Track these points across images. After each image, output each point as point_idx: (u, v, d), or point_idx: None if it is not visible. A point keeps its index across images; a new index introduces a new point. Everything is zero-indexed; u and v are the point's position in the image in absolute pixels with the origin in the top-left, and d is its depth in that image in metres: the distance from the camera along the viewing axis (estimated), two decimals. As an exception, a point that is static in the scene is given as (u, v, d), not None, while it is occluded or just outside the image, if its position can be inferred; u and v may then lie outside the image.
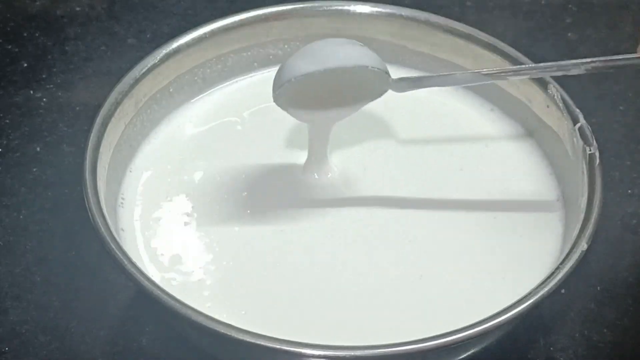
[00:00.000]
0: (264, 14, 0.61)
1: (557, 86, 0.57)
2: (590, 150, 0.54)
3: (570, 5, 0.73)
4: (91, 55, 0.70)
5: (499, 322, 0.48)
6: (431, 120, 0.60)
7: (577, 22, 0.72)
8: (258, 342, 0.47)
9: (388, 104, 0.58)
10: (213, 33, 0.60)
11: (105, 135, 0.55)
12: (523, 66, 0.57)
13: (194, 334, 0.52)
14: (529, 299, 0.49)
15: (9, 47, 0.70)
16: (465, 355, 0.52)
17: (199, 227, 0.55)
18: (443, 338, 0.48)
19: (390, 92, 0.55)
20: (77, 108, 0.66)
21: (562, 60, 0.68)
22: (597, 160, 0.54)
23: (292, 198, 0.56)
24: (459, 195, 0.56)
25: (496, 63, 0.59)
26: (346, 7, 0.61)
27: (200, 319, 0.48)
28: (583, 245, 0.51)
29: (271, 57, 0.62)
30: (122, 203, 0.56)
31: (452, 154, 0.59)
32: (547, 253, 0.54)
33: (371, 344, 0.48)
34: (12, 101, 0.66)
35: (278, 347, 0.47)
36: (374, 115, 0.60)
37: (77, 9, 0.72)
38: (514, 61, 0.59)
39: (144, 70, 0.58)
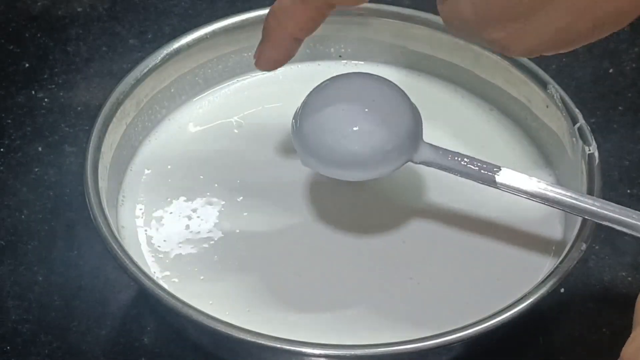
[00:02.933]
0: (265, 15, 0.61)
1: (557, 86, 0.57)
2: (589, 150, 0.55)
3: (570, 6, 0.73)
4: (92, 56, 0.70)
5: (499, 321, 0.48)
6: (429, 120, 0.60)
7: (576, 23, 0.72)
8: (258, 341, 0.47)
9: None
10: (214, 33, 0.60)
11: (107, 135, 0.55)
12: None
13: (195, 333, 0.52)
14: (528, 299, 0.49)
15: (11, 47, 0.70)
16: (465, 355, 0.52)
17: (200, 226, 0.55)
18: (443, 337, 0.48)
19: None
20: (79, 108, 0.66)
21: (563, 60, 0.68)
22: (597, 160, 0.54)
23: (293, 197, 0.56)
24: (457, 195, 0.57)
25: (495, 63, 0.59)
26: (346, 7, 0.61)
27: (201, 318, 0.48)
28: (582, 245, 0.51)
29: (272, 57, 0.62)
30: (122, 202, 0.56)
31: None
32: (547, 253, 0.54)
33: (372, 343, 0.48)
34: (13, 101, 0.67)
35: (278, 346, 0.48)
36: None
37: (79, 9, 0.73)
38: (514, 61, 0.59)
39: (145, 70, 0.58)
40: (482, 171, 0.51)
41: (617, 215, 0.49)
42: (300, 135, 0.51)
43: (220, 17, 0.61)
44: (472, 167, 0.51)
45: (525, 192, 0.51)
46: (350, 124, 0.50)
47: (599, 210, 0.50)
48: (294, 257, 0.54)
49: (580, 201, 0.50)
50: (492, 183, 0.51)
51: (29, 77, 0.68)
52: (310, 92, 0.52)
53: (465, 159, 0.51)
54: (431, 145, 0.52)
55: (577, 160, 0.55)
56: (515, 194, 0.51)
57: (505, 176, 0.51)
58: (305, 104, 0.51)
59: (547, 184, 0.51)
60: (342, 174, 0.51)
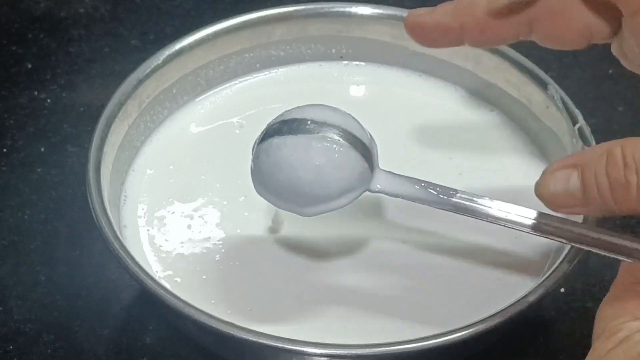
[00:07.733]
0: (266, 16, 0.61)
1: (557, 87, 0.58)
2: (589, 151, 0.55)
3: (570, 7, 0.73)
4: (95, 57, 0.70)
5: (499, 321, 0.49)
6: (429, 121, 0.60)
7: (577, 24, 0.72)
8: (260, 340, 0.48)
9: (386, 105, 0.59)
10: (216, 34, 0.60)
11: (109, 135, 0.55)
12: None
13: (197, 333, 0.52)
14: (528, 299, 0.49)
15: (14, 48, 0.70)
16: (465, 355, 0.52)
17: (202, 226, 0.55)
18: (443, 337, 0.48)
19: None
20: (81, 109, 0.67)
21: (563, 61, 0.69)
22: (597, 161, 0.54)
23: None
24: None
25: (496, 64, 0.60)
26: (347, 9, 0.62)
27: (203, 318, 0.48)
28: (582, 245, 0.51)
29: (273, 58, 0.62)
30: (124, 202, 0.56)
31: (450, 156, 0.59)
32: (547, 253, 0.55)
33: (372, 343, 0.48)
34: (16, 102, 0.67)
35: (280, 345, 0.48)
36: (371, 119, 0.60)
37: (81, 10, 0.73)
38: (514, 62, 0.59)
39: (147, 71, 0.58)
40: (440, 196, 0.48)
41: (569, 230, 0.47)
42: (258, 176, 0.49)
43: (222, 18, 0.61)
44: (431, 191, 0.48)
45: (481, 215, 0.48)
46: (300, 164, 0.48)
47: (553, 229, 0.47)
48: (296, 257, 0.54)
49: (542, 223, 0.47)
50: (452, 208, 0.48)
51: (32, 77, 0.68)
52: (266, 130, 0.49)
53: (422, 184, 0.49)
54: (387, 172, 0.49)
55: (577, 160, 0.55)
56: (477, 219, 0.48)
57: (462, 200, 0.48)
58: (260, 145, 0.49)
59: (507, 206, 0.48)
60: (300, 211, 0.49)
